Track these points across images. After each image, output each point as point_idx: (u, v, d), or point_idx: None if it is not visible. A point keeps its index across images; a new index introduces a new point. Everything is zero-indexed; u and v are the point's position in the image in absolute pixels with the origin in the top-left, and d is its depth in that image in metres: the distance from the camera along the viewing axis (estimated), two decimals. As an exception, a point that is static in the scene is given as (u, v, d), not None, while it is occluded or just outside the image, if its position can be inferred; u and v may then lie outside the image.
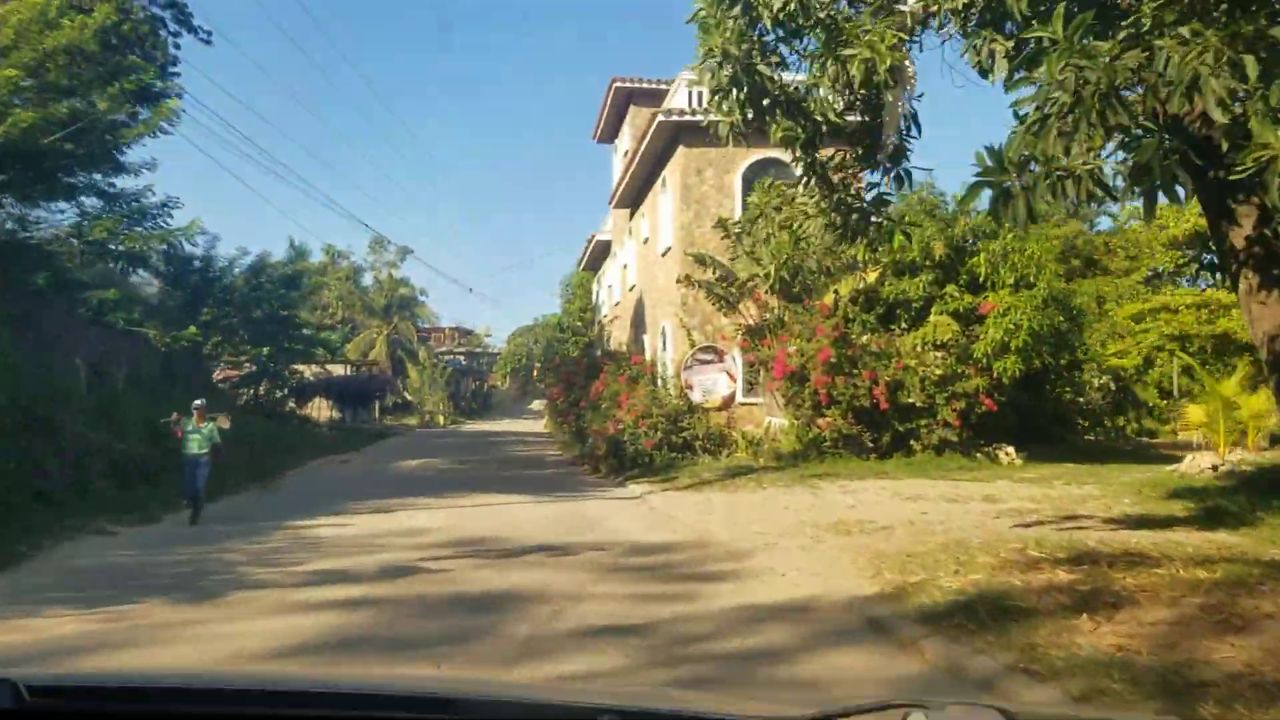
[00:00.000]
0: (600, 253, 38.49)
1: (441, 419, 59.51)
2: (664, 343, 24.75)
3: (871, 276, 20.84)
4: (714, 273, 21.41)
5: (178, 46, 27.54)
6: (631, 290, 30.13)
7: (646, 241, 27.75)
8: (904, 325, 21.59)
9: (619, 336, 30.38)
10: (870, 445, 20.69)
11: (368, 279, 67.05)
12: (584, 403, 25.14)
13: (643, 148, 24.53)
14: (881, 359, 20.56)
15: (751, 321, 21.75)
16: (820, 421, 20.52)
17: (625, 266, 32.05)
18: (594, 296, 42.50)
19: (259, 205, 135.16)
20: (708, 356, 22.37)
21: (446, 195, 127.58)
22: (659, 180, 25.18)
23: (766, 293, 21.35)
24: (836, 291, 21.12)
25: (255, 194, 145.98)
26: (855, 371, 20.27)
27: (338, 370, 45.45)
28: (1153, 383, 32.57)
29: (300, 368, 41.50)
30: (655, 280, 26.01)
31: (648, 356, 25.60)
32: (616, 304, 27.61)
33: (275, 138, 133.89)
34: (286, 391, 41.01)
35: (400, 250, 66.36)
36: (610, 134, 34.41)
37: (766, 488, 16.73)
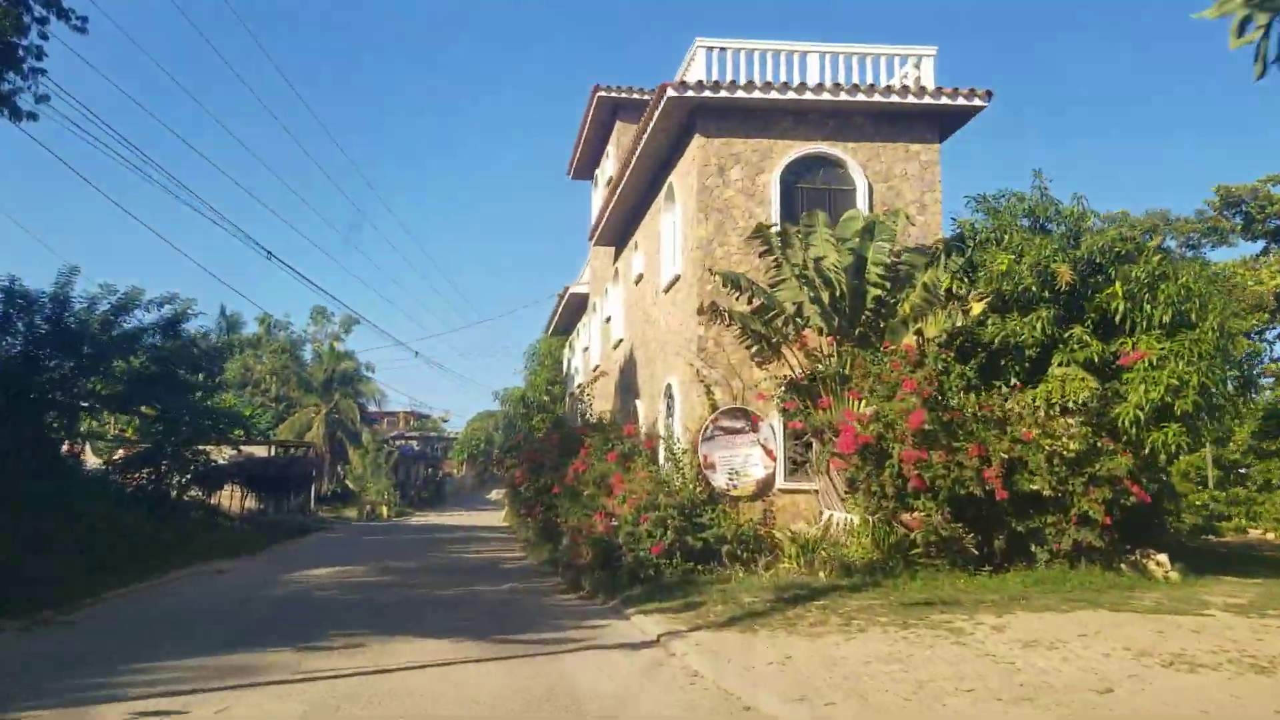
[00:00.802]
0: (574, 310, 32.22)
1: (385, 510, 52.22)
2: (669, 407, 18.29)
3: (976, 309, 14.58)
4: (749, 298, 15.05)
5: (44, 37, 21.28)
6: (617, 347, 23.77)
7: (639, 281, 21.48)
8: (1012, 380, 15.33)
9: (600, 407, 23.88)
10: (976, 551, 14.26)
11: (309, 353, 60.15)
12: (558, 488, 18.54)
13: (640, 148, 18.41)
14: (990, 427, 14.26)
15: (798, 373, 15.41)
16: (907, 517, 14.07)
17: (608, 320, 25.70)
18: (565, 365, 36.04)
19: (183, 264, 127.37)
20: (736, 424, 15.94)
21: (403, 259, 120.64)
22: (661, 192, 19.01)
23: (821, 332, 15.07)
24: (920, 332, 14.85)
25: (178, 251, 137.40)
26: (958, 444, 13.93)
27: (262, 453, 38.35)
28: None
29: (210, 449, 34.56)
30: (655, 326, 19.67)
31: (642, 428, 19.07)
32: (596, 369, 21.40)
33: (213, 186, 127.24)
34: (187, 478, 34.06)
35: (345, 321, 59.82)
36: (590, 162, 28.37)
37: (860, 627, 10.21)
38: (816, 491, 15.48)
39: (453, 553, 24.85)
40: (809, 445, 15.85)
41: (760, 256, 15.55)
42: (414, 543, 28.88)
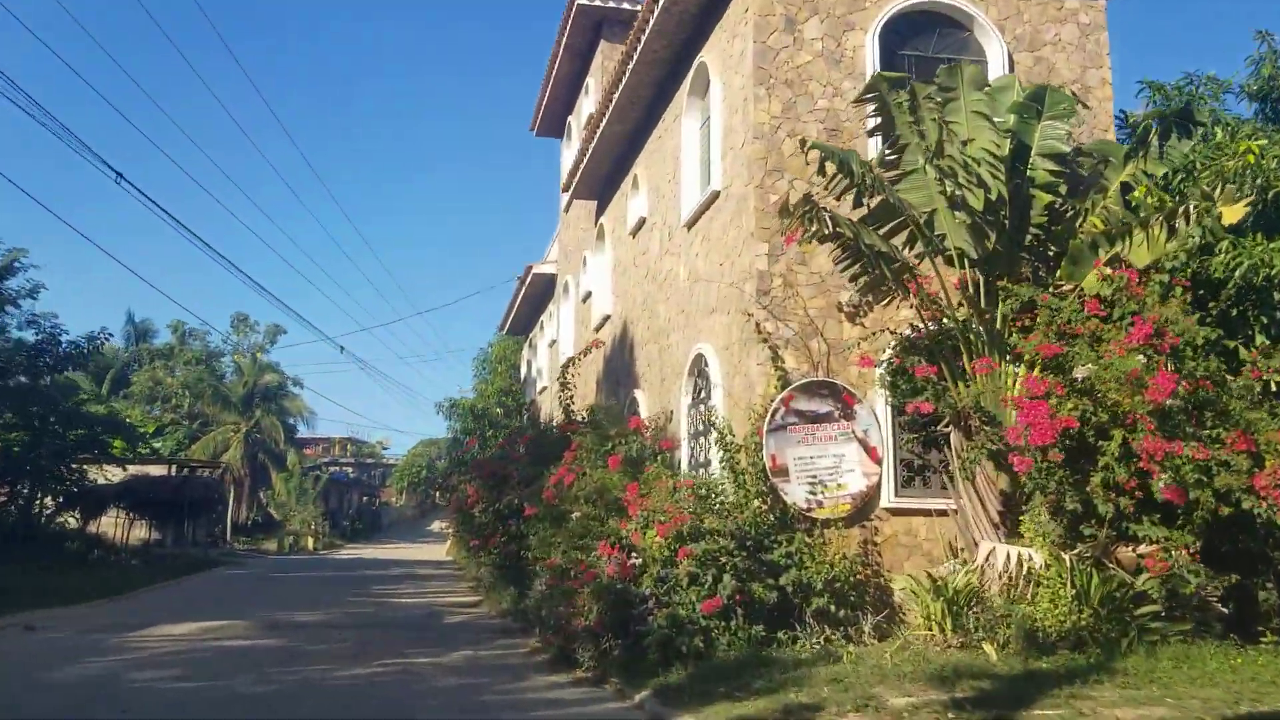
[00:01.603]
0: (537, 300, 26.40)
1: (311, 541, 45.72)
2: (699, 389, 12.60)
3: (1231, 213, 8.99)
4: (858, 197, 9.31)
5: None
6: (601, 328, 18.03)
7: (639, 230, 15.84)
8: (1257, 338, 9.90)
9: (578, 406, 18.01)
10: (1224, 611, 8.78)
11: (229, 366, 53.33)
12: (531, 509, 12.67)
13: (651, 24, 12.81)
14: (1254, 406, 8.80)
15: (918, 328, 9.86)
16: (1130, 553, 8.56)
17: (587, 297, 19.99)
18: (524, 369, 30.12)
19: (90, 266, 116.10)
20: (820, 406, 10.23)
21: (329, 238, 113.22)
22: (683, 87, 13.37)
23: (960, 259, 9.52)
24: (1119, 260, 9.33)
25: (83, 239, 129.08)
26: (1210, 431, 8.45)
27: (161, 473, 31.82)
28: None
29: (90, 468, 28.12)
30: (669, 283, 13.98)
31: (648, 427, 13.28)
32: (567, 362, 15.77)
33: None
34: (59, 501, 27.53)
35: (270, 330, 53.22)
36: (562, 104, 22.72)
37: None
38: (951, 512, 9.84)
39: (382, 596, 18.84)
40: (933, 441, 10.23)
41: (870, 134, 9.96)
42: (334, 582, 22.78)
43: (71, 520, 28.74)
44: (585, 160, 17.77)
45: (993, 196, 9.56)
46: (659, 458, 11.91)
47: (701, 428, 12.25)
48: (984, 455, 9.07)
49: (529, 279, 24.90)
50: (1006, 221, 9.68)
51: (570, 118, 22.66)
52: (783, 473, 10.03)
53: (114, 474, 29.06)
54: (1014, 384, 9.44)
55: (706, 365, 11.97)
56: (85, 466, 27.40)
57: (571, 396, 15.18)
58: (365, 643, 11.57)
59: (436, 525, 65.17)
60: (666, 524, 9.27)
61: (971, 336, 9.60)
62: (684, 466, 12.35)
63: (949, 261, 9.75)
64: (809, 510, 10.03)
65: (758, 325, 10.38)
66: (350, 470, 76.76)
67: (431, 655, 10.64)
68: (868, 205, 9.35)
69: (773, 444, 10.03)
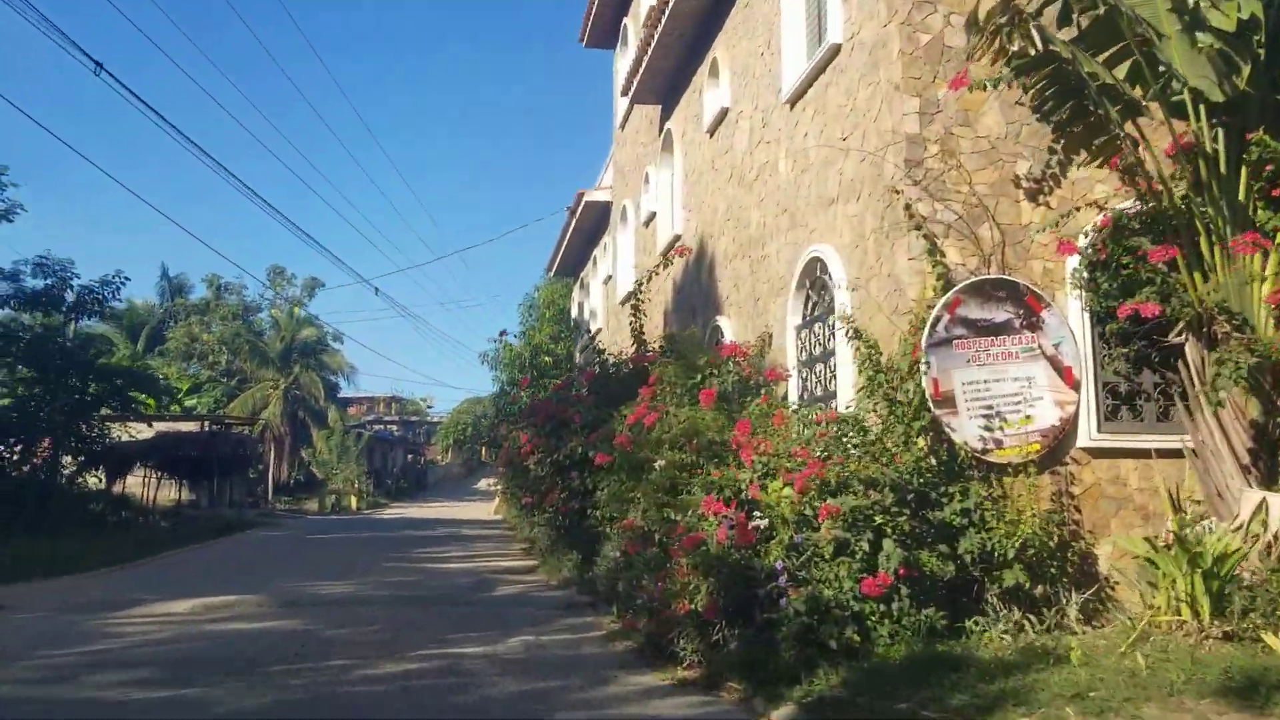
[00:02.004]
0: (590, 230, 23.81)
1: (354, 500, 43.92)
2: (809, 305, 10.03)
3: None
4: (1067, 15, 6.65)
5: None
6: (670, 251, 15.44)
7: (718, 126, 13.21)
8: None
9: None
10: None
11: (266, 322, 51.44)
12: (603, 457, 10.19)
13: None
14: None
15: (1130, 205, 7.23)
16: None
17: (650, 220, 17.45)
18: (576, 311, 27.62)
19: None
20: (995, 313, 7.62)
21: (364, 177, 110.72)
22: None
23: (1197, 106, 6.85)
24: None
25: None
26: None
27: (191, 429, 29.85)
28: None
29: (116, 426, 26.15)
30: (766, 179, 11.34)
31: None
32: (646, 277, 13.35)
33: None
34: (80, 460, 25.58)
35: (308, 283, 51.19)
36: (614, 11, 20.04)
37: None
38: (1189, 452, 7.21)
39: (424, 560, 16.63)
40: (1144, 358, 7.61)
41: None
42: (373, 544, 20.64)
43: (95, 481, 26.94)
44: (649, 54, 15.13)
45: (1244, 16, 6.86)
46: (762, 390, 9.43)
47: (818, 352, 9.71)
48: (1241, 374, 6.45)
49: (580, 208, 22.30)
50: (1262, 52, 6.97)
51: (625, 19, 19.95)
52: (948, 402, 7.46)
53: (141, 431, 27.17)
54: (1265, 275, 6.83)
55: (825, 272, 9.37)
56: (109, 424, 25.49)
57: (641, 326, 12.69)
58: (399, 625, 9.25)
59: (484, 483, 63.47)
60: (800, 472, 6.78)
61: (1210, 211, 6.95)
62: (792, 401, 9.83)
63: (1174, 113, 7.06)
64: (984, 452, 7.46)
65: (908, 207, 7.75)
66: (395, 428, 75.21)
67: (483, 642, 8.29)
68: (1078, 24, 6.68)
69: (933, 365, 7.46)
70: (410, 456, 66.48)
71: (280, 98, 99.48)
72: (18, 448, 22.93)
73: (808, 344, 9.97)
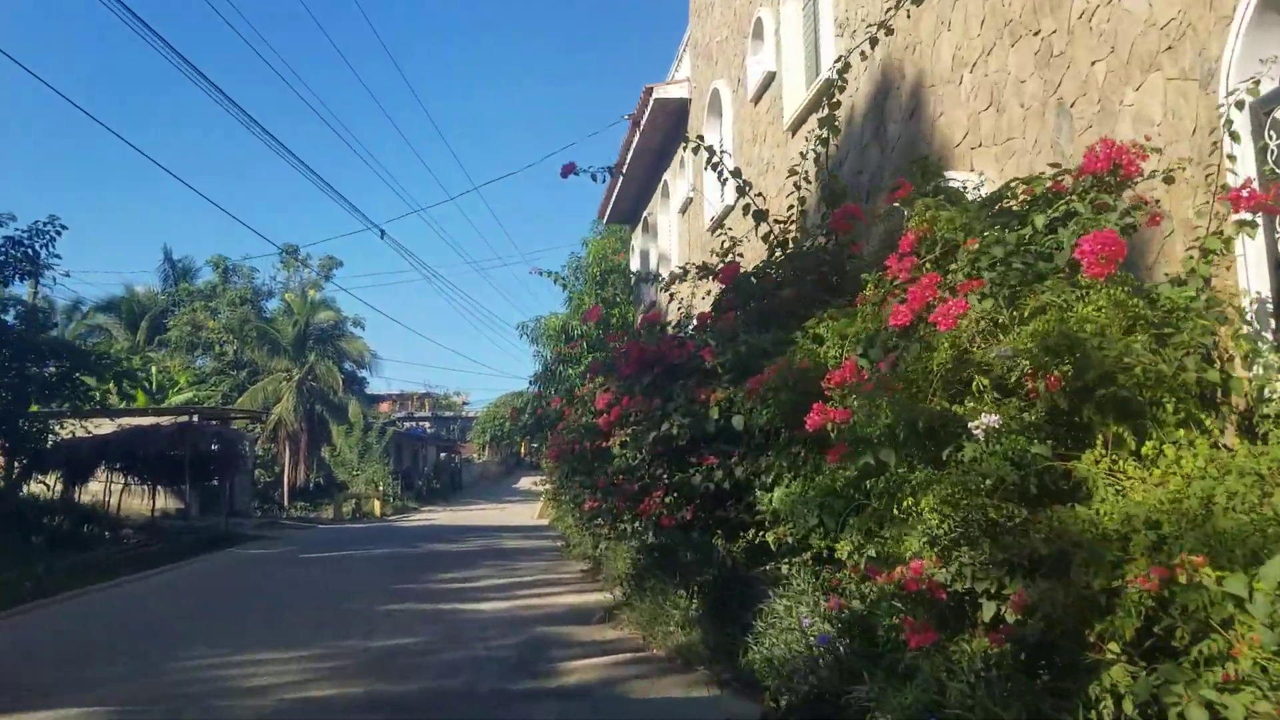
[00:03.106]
0: (658, 145, 18.01)
1: (378, 505, 38.65)
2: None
3: None
4: None
5: None
6: (799, 128, 9.64)
7: None
8: None
9: (748, 262, 9.57)
10: None
11: (279, 308, 46.18)
12: (817, 417, 4.52)
13: None
14: None
15: None
16: None
17: (769, 81, 11.75)
18: (638, 262, 21.85)
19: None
20: None
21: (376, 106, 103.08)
22: None
23: None
24: None
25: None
26: None
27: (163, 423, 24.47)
28: None
29: (75, 423, 20.92)
30: None
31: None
32: (822, 97, 7.76)
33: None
34: (24, 462, 20.29)
35: (326, 264, 45.98)
36: None
37: None
38: None
39: (444, 598, 11.07)
40: None
41: None
42: (384, 566, 15.22)
43: (44, 488, 21.76)
44: None
45: None
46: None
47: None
48: None
49: (648, 111, 16.59)
50: None
51: None
52: None
53: (101, 426, 21.96)
54: None
55: None
56: (54, 419, 20.29)
57: (825, 162, 7.07)
58: None
59: (525, 481, 58.15)
60: None
61: None
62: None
63: None
64: None
65: None
66: (427, 425, 70.09)
67: None
68: None
69: None
70: (444, 455, 61.22)
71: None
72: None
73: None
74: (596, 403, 7.55)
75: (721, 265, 6.86)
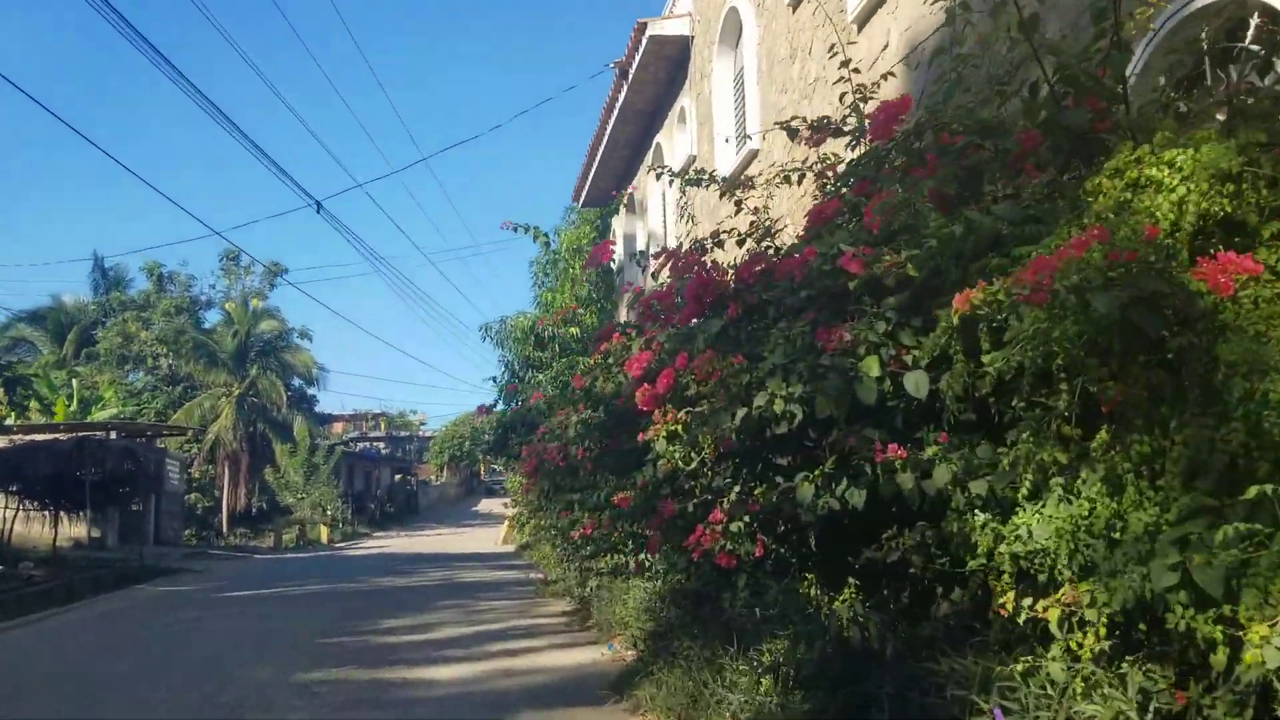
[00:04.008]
0: (651, 101, 15.10)
1: (324, 531, 35.25)
2: None
3: None
4: None
5: None
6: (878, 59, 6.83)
7: None
8: None
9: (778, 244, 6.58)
10: None
11: (218, 320, 42.56)
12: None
13: None
14: None
15: None
16: None
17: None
18: (621, 248, 18.82)
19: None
20: None
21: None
22: None
23: None
24: None
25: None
26: None
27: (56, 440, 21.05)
28: None
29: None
30: None
31: None
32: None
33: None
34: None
35: (270, 269, 42.52)
36: None
37: None
38: None
39: (386, 662, 7.99)
40: None
41: None
42: (315, 609, 12.16)
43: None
44: None
45: None
46: None
47: None
48: None
49: (640, 52, 13.71)
50: None
51: None
52: None
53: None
54: None
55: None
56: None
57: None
58: None
59: (485, 505, 54.90)
60: None
61: None
62: None
63: None
64: None
65: None
66: (382, 446, 66.43)
67: None
68: None
69: None
70: (399, 476, 57.70)
71: None
72: None
73: None
74: (629, 369, 4.62)
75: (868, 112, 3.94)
